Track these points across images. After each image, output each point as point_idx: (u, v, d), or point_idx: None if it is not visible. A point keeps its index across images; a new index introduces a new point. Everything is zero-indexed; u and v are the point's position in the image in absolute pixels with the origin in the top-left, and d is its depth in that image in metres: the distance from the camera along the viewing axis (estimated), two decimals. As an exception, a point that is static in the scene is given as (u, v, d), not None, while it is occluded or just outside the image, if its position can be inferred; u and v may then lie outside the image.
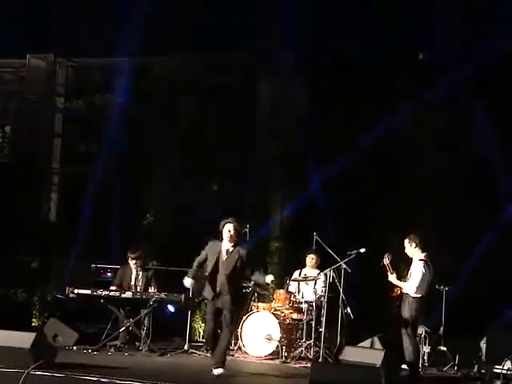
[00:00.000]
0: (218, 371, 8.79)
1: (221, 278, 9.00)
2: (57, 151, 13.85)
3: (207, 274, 9.13)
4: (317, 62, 12.81)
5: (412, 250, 9.56)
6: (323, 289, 10.72)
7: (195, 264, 9.26)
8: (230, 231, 9.02)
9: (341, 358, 8.99)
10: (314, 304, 10.65)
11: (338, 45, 12.37)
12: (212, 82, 13.39)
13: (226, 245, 9.09)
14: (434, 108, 12.42)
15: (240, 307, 9.53)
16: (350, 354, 8.92)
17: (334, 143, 12.54)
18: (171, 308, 10.68)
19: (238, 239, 9.16)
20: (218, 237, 9.20)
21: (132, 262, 11.09)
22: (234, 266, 8.99)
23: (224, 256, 9.06)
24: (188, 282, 9.21)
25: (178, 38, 12.65)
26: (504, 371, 9.54)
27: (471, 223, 11.90)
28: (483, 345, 10.25)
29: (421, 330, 10.02)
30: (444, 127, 12.46)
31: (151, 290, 10.89)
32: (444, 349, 10.29)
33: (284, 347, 10.52)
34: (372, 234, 11.66)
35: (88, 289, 10.74)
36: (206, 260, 9.17)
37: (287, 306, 10.83)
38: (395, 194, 12.32)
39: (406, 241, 9.59)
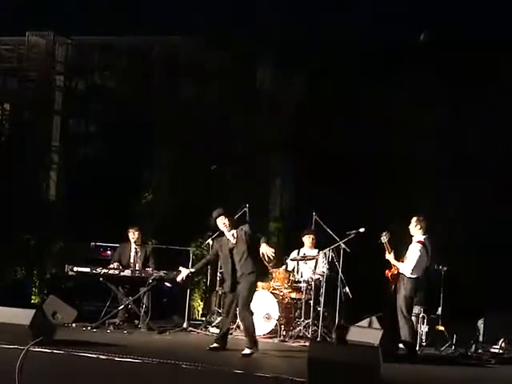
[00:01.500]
0: (245, 351, 9.02)
1: (238, 266, 9.15)
2: (56, 129, 13.82)
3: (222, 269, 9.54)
4: (316, 48, 12.77)
5: (415, 229, 9.63)
6: (322, 268, 10.76)
7: (203, 262, 9.72)
8: (224, 224, 9.20)
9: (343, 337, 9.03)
10: (312, 283, 10.69)
11: (336, 31, 12.34)
12: (211, 66, 13.34)
13: (228, 234, 9.24)
14: (434, 97, 12.42)
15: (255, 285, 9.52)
16: (349, 333, 8.96)
17: (333, 128, 12.55)
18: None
19: (236, 223, 9.32)
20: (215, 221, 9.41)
21: (131, 237, 11.11)
22: (246, 247, 9.11)
23: (233, 242, 9.20)
24: (184, 270, 9.56)
25: (178, 20, 12.62)
26: (500, 351, 9.62)
27: (471, 207, 11.93)
28: (481, 325, 10.30)
29: (417, 309, 10.06)
30: (443, 115, 12.45)
31: (149, 267, 10.94)
32: (442, 328, 10.33)
33: (282, 326, 10.57)
34: (372, 216, 11.68)
35: (87, 267, 10.79)
36: (216, 258, 9.50)
37: (286, 285, 10.86)
38: (396, 177, 12.34)
39: (415, 218, 9.64)
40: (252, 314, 9.28)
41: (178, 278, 9.62)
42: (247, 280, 9.11)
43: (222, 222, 9.22)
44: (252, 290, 9.26)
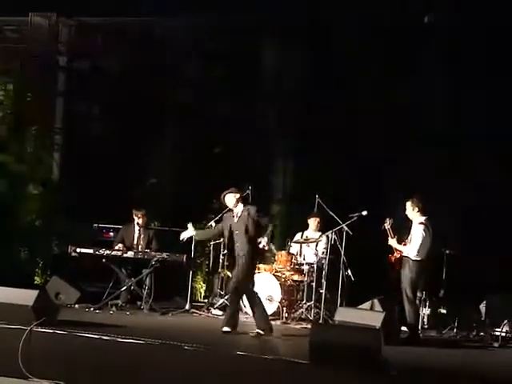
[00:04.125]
0: (225, 328, 9.10)
1: (237, 245, 9.21)
2: (59, 110, 13.80)
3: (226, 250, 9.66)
4: (319, 26, 12.69)
5: (413, 213, 9.62)
6: (324, 251, 10.77)
7: (208, 233, 9.96)
8: (231, 201, 9.26)
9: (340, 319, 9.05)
10: (315, 266, 10.70)
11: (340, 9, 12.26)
12: (214, 47, 13.28)
13: (235, 210, 9.30)
14: (439, 73, 12.35)
15: (251, 273, 9.48)
16: (350, 316, 8.98)
17: (335, 107, 12.51)
18: None
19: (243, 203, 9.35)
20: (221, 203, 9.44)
21: (137, 219, 11.12)
22: (246, 227, 9.13)
23: (235, 220, 9.26)
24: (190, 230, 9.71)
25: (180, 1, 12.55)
26: (503, 334, 9.64)
27: (474, 187, 11.91)
28: (483, 308, 10.31)
29: (419, 292, 10.08)
30: (448, 92, 12.37)
31: (152, 248, 10.96)
32: (444, 311, 10.34)
33: (285, 308, 10.60)
34: (374, 197, 11.68)
35: (90, 248, 10.81)
36: (221, 234, 9.54)
37: (288, 268, 10.89)
38: (398, 158, 12.31)
39: (409, 203, 9.63)
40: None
41: (182, 236, 9.79)
42: (240, 265, 9.14)
43: (229, 200, 9.28)
44: (242, 276, 9.20)
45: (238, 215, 9.24)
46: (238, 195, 9.30)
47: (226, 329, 9.09)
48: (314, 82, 12.81)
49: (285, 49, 13.23)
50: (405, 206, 9.71)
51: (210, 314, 10.80)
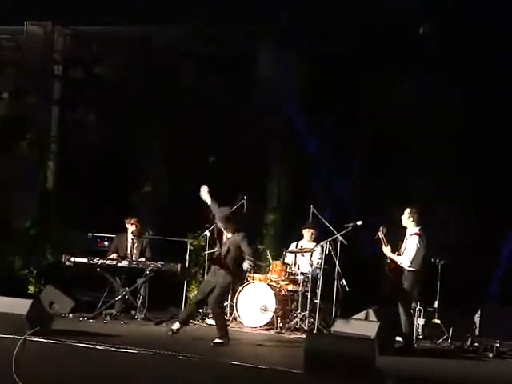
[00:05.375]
0: (217, 341, 9.12)
1: (219, 261, 9.32)
2: (55, 119, 13.78)
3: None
4: (316, 32, 12.71)
5: (408, 221, 9.61)
6: (319, 261, 10.78)
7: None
8: (224, 223, 9.33)
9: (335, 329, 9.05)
10: (309, 276, 10.70)
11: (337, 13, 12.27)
12: (210, 54, 13.29)
13: (226, 232, 9.41)
14: (433, 82, 12.36)
15: (230, 284, 9.60)
16: (345, 326, 8.98)
17: (332, 115, 12.53)
18: None
19: (235, 225, 9.36)
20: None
21: (130, 228, 11.12)
22: (227, 252, 9.26)
23: (224, 241, 9.37)
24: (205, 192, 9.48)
25: (176, 7, 12.55)
26: (496, 344, 9.66)
27: (469, 198, 11.93)
28: (477, 318, 10.32)
29: (414, 303, 10.08)
30: (444, 102, 12.40)
31: (146, 257, 10.94)
32: (438, 322, 10.35)
33: (279, 318, 10.59)
34: (370, 207, 11.69)
35: (84, 257, 10.79)
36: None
37: (283, 278, 10.89)
38: (394, 167, 12.32)
39: (407, 211, 9.62)
40: (223, 309, 9.66)
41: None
42: (224, 279, 9.22)
43: (222, 222, 9.34)
44: (226, 289, 9.44)
45: (228, 238, 9.34)
46: (228, 222, 9.33)
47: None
48: (311, 87, 12.79)
49: (283, 54, 13.23)
50: (401, 213, 9.71)
51: (204, 324, 10.78)
